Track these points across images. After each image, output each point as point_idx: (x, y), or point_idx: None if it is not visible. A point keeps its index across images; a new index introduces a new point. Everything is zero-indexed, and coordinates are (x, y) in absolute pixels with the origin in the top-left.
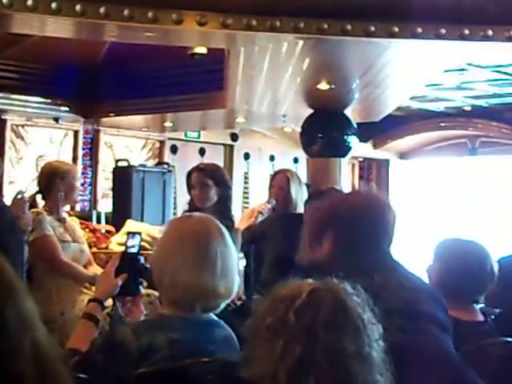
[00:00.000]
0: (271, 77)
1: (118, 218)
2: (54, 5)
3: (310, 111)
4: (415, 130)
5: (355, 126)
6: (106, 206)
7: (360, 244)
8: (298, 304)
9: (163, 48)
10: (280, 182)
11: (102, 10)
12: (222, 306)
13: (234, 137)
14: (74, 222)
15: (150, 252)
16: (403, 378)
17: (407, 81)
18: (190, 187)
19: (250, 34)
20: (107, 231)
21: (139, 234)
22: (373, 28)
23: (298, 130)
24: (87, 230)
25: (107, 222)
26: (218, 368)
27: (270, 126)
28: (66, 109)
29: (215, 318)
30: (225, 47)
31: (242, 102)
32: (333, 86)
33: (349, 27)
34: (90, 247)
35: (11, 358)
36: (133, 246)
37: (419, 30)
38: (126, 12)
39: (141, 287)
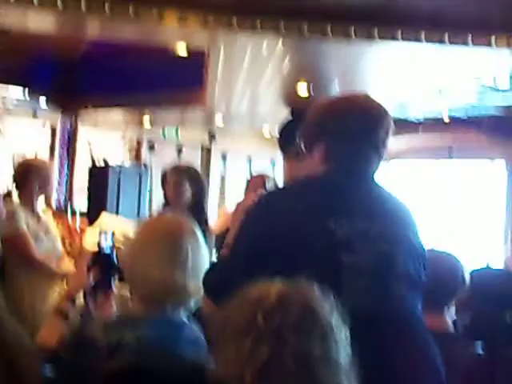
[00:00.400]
0: (250, 76)
1: (92, 215)
2: None
3: (289, 113)
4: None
5: None
6: (81, 203)
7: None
8: (267, 306)
9: (143, 44)
10: (256, 186)
11: (83, 4)
12: (192, 304)
13: (212, 137)
14: (48, 218)
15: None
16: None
17: (388, 85)
18: (164, 187)
19: (230, 32)
20: (81, 228)
21: (112, 233)
22: (352, 30)
23: (276, 132)
24: (61, 225)
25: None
26: (186, 369)
27: (248, 126)
28: (43, 101)
29: (185, 319)
30: (205, 45)
31: (221, 101)
32: (311, 88)
33: (329, 29)
34: (64, 243)
35: None
36: (105, 243)
37: (399, 33)
38: (106, 7)
39: (112, 284)
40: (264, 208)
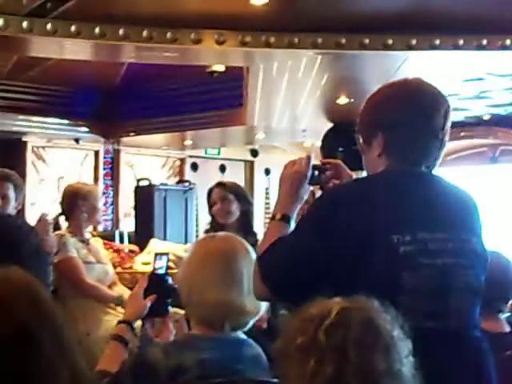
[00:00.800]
0: (290, 92)
1: (140, 237)
2: (73, 28)
3: (330, 125)
4: None
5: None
6: (128, 225)
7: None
8: (328, 323)
9: (181, 66)
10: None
11: (121, 31)
12: (250, 323)
13: (254, 153)
14: (97, 243)
15: (175, 271)
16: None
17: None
18: (211, 204)
19: (269, 51)
20: (131, 251)
21: (167, 254)
22: (391, 41)
23: (318, 144)
24: (111, 250)
25: (130, 242)
26: None
27: (289, 141)
28: (86, 129)
29: (244, 336)
30: (243, 65)
31: (262, 119)
32: (352, 100)
33: (367, 41)
34: (115, 267)
35: (46, 380)
36: (160, 267)
37: (437, 41)
38: (144, 33)
39: (169, 307)
40: (326, 209)
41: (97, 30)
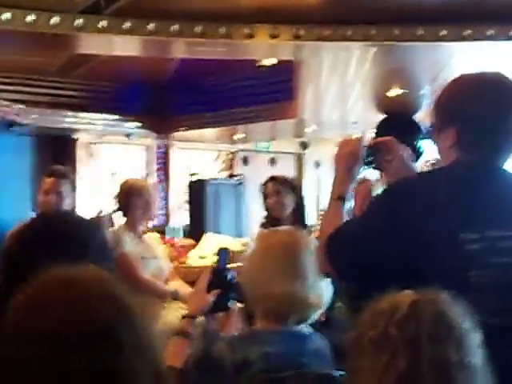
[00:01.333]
0: (342, 85)
1: (194, 231)
2: (126, 25)
3: (381, 116)
4: None
5: (427, 129)
6: (180, 219)
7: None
8: (399, 316)
9: (232, 61)
10: (361, 192)
11: (174, 27)
12: (314, 316)
13: (304, 145)
14: (153, 238)
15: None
16: None
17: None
18: (265, 197)
19: (322, 44)
20: (186, 245)
21: (228, 249)
22: (444, 32)
23: (368, 135)
24: (167, 244)
25: (184, 236)
26: (315, 380)
27: (339, 133)
28: (138, 125)
29: (307, 330)
30: (296, 58)
31: (313, 111)
32: (404, 91)
33: (420, 32)
34: (171, 262)
35: (132, 379)
36: (223, 262)
37: (491, 31)
38: (198, 28)
39: (232, 302)
40: (391, 203)
41: (150, 26)
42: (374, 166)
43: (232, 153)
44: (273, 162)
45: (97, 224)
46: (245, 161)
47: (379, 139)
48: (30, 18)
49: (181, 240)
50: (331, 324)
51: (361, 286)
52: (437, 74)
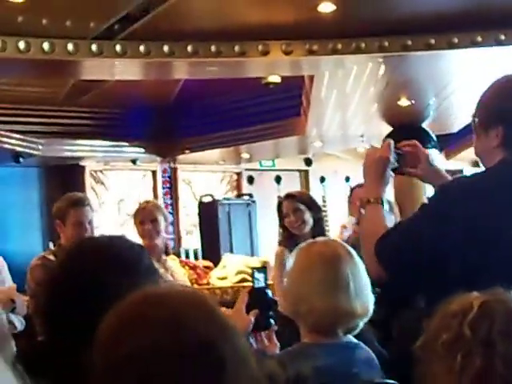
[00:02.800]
0: (352, 98)
1: (207, 252)
2: (118, 47)
3: (388, 129)
4: None
5: (435, 138)
6: (190, 242)
7: None
8: (472, 317)
9: (235, 81)
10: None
11: (189, 48)
12: (361, 325)
13: (308, 161)
14: (174, 262)
15: (248, 284)
16: None
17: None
18: (282, 217)
19: (336, 57)
20: (206, 267)
21: (265, 269)
22: (456, 39)
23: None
24: (187, 267)
25: (196, 258)
26: None
27: (345, 147)
28: (142, 150)
29: (355, 340)
30: (310, 73)
31: (321, 127)
32: (412, 102)
33: (432, 41)
34: (192, 284)
35: None
36: (259, 281)
37: (502, 36)
38: (212, 47)
39: (272, 320)
40: (444, 204)
41: (141, 48)
42: (400, 170)
43: (237, 173)
44: (278, 179)
45: (141, 246)
46: (250, 180)
47: (404, 143)
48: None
49: (200, 262)
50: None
51: (413, 287)
52: (447, 82)
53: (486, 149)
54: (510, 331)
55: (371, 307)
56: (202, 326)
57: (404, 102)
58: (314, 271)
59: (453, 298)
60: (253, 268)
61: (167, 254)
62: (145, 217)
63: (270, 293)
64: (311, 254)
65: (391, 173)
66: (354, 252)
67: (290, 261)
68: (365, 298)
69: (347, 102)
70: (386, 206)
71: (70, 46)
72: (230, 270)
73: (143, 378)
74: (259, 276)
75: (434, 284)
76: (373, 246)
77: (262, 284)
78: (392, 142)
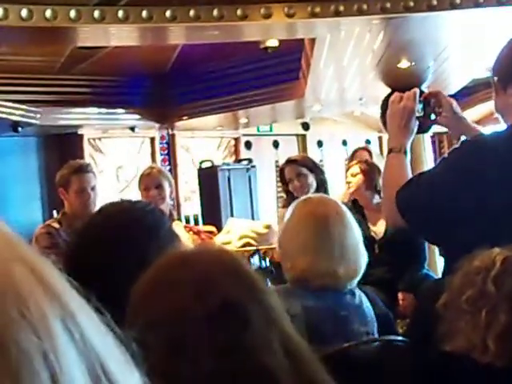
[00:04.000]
0: (352, 61)
1: (208, 218)
2: (120, 13)
3: (387, 91)
4: (484, 98)
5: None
6: (189, 209)
7: None
8: (495, 273)
9: (233, 47)
10: (362, 156)
11: (191, 12)
12: (348, 287)
13: (306, 126)
14: (178, 227)
15: (252, 249)
16: None
17: (490, 50)
18: (285, 182)
19: (338, 19)
20: (209, 232)
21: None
22: (459, 0)
23: (368, 112)
24: (191, 232)
25: (196, 224)
26: (381, 348)
27: (344, 110)
28: (140, 117)
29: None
30: (311, 36)
31: (320, 90)
32: (413, 64)
33: (434, 2)
34: None
35: (260, 353)
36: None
37: None
38: (215, 12)
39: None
40: (468, 159)
41: (144, 13)
42: (425, 119)
43: (235, 139)
44: (276, 144)
45: (161, 210)
46: (248, 145)
47: (428, 92)
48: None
49: (204, 227)
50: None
51: (433, 236)
52: (445, 46)
53: (505, 106)
54: None
55: (359, 270)
56: (228, 286)
57: (404, 63)
58: (301, 230)
59: (475, 254)
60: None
61: (172, 219)
62: (149, 183)
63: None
64: (302, 212)
65: (416, 122)
66: (347, 213)
67: (287, 215)
68: (351, 261)
69: (347, 65)
70: (409, 156)
71: (73, 13)
72: (234, 235)
73: (172, 340)
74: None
75: (454, 239)
76: (393, 194)
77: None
78: (417, 90)
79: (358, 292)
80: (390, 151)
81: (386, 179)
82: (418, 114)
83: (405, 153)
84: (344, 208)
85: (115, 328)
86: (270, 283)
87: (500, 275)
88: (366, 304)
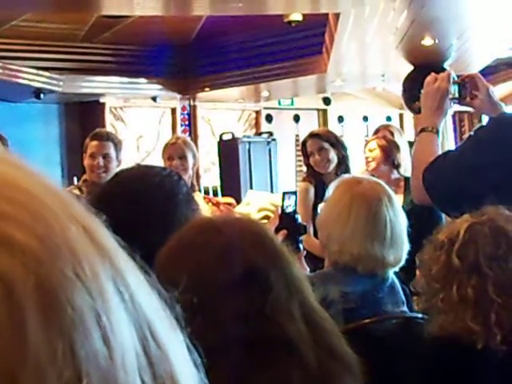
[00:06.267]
0: (376, 37)
1: (227, 190)
2: None
3: (409, 68)
4: (507, 78)
5: (456, 78)
6: (209, 180)
7: None
8: (458, 245)
9: (256, 19)
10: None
11: None
12: (390, 274)
13: (327, 101)
14: (198, 197)
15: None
16: None
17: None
18: (307, 155)
19: None
20: (228, 203)
21: (295, 193)
22: None
23: (390, 89)
24: (210, 203)
25: (215, 195)
26: (401, 324)
27: (365, 86)
28: (162, 87)
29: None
30: (337, 11)
31: (343, 65)
32: (436, 41)
33: None
34: None
35: (280, 321)
36: (289, 206)
37: None
38: None
39: (301, 245)
40: (496, 132)
41: None
42: (460, 101)
43: (256, 111)
44: (297, 118)
45: (179, 176)
46: (269, 119)
47: (465, 74)
48: None
49: (223, 199)
50: None
51: (458, 213)
52: (469, 25)
53: None
54: (496, 252)
55: (404, 257)
56: (253, 254)
57: (428, 41)
58: (353, 213)
59: (443, 227)
60: (283, 192)
61: (193, 190)
62: (173, 152)
63: (299, 217)
64: (354, 193)
65: (450, 103)
66: (395, 197)
67: (330, 191)
68: (399, 248)
69: (370, 41)
70: (441, 137)
71: None
72: (253, 207)
73: (195, 303)
74: (289, 201)
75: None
76: (421, 171)
77: (291, 208)
78: (452, 72)
79: (390, 273)
80: (422, 130)
81: (416, 157)
82: (452, 96)
83: (437, 133)
84: (392, 193)
85: (160, 288)
86: None
87: (463, 246)
88: (397, 284)
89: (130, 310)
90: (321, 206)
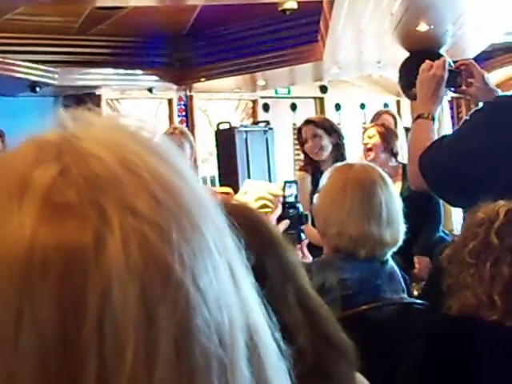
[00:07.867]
0: (371, 23)
1: (225, 179)
2: None
3: (405, 55)
4: (502, 63)
5: (452, 64)
6: (206, 170)
7: None
8: (498, 225)
9: (251, 8)
10: (385, 120)
11: None
12: (389, 254)
13: (324, 89)
14: None
15: (268, 210)
16: None
17: (509, 15)
18: (302, 142)
19: None
20: (225, 193)
21: (296, 182)
22: None
23: (386, 75)
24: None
25: (212, 185)
26: (400, 310)
27: (362, 73)
28: (158, 78)
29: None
30: None
31: (338, 53)
32: (432, 27)
33: None
34: None
35: (275, 306)
36: (290, 195)
37: None
38: None
39: (302, 234)
40: (491, 116)
41: None
42: (456, 89)
43: (253, 101)
44: (294, 107)
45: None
46: (266, 108)
47: (460, 62)
48: None
49: (220, 189)
50: None
51: (454, 198)
52: (464, 11)
53: None
54: None
55: (401, 237)
56: (247, 240)
57: (423, 27)
58: (348, 195)
59: (479, 207)
60: (285, 182)
61: None
62: None
63: (300, 207)
64: (347, 177)
65: (446, 90)
66: (389, 179)
67: (324, 180)
68: (395, 227)
69: (366, 28)
70: (437, 123)
71: None
72: (251, 196)
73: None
74: (290, 190)
75: (475, 200)
76: (418, 157)
77: (292, 198)
78: (448, 59)
79: (389, 259)
80: (417, 117)
81: (413, 144)
82: (447, 84)
83: (432, 119)
84: (386, 175)
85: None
86: None
87: (503, 227)
88: (397, 271)
89: (220, 251)
90: (316, 196)
